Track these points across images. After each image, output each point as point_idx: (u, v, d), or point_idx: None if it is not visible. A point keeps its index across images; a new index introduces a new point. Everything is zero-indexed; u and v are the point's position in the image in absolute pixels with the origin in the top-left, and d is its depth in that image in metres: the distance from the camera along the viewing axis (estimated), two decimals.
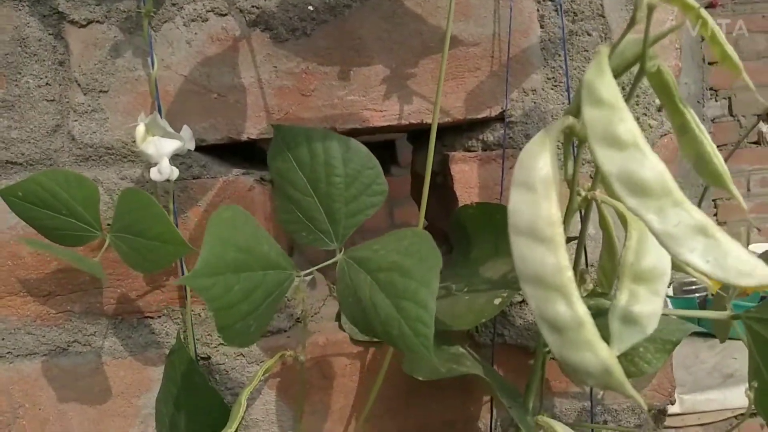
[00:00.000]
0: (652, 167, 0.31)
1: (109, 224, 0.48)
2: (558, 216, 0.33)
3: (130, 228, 0.44)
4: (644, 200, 0.31)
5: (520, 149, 0.54)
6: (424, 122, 0.53)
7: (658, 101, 0.55)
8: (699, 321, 0.69)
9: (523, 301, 0.55)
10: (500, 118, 0.53)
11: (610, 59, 0.38)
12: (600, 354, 0.32)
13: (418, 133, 0.62)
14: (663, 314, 0.48)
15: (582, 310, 0.32)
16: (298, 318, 0.57)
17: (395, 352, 0.51)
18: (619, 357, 0.48)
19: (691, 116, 0.39)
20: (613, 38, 0.53)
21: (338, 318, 0.57)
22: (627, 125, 0.31)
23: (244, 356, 0.55)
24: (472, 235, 0.53)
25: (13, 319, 0.53)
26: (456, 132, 0.56)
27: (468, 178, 0.54)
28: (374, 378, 0.54)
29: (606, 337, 0.38)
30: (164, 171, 0.42)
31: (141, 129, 0.42)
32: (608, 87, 0.32)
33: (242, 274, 0.36)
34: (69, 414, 0.54)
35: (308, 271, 0.42)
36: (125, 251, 0.45)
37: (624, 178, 0.31)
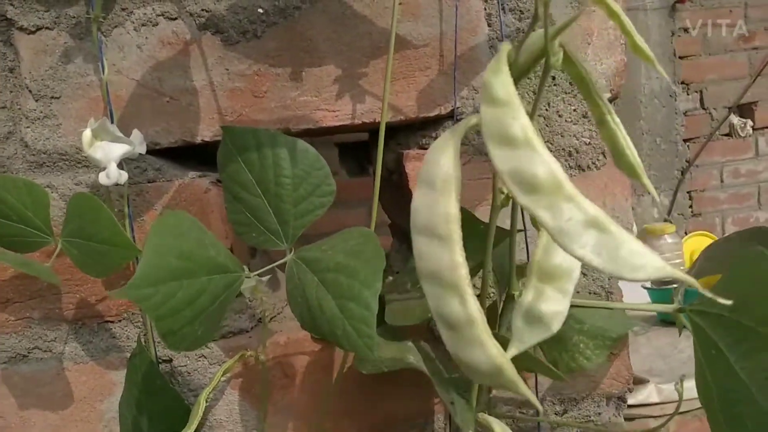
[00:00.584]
0: (543, 163, 0.31)
1: None
2: (455, 214, 0.33)
3: (80, 232, 0.44)
4: (536, 197, 0.31)
5: (472, 146, 0.55)
6: (377, 121, 0.53)
7: (605, 95, 0.56)
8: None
9: None
10: (451, 116, 0.54)
11: (518, 55, 0.38)
12: (489, 352, 0.32)
13: (375, 133, 0.62)
14: (609, 308, 0.49)
15: (474, 307, 0.32)
16: (260, 318, 0.58)
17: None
18: (559, 353, 0.49)
19: (608, 109, 0.39)
20: None
21: None
22: (520, 122, 0.31)
23: (206, 357, 0.55)
24: None
25: None
26: (410, 130, 0.57)
27: None
28: (335, 375, 0.55)
29: None
30: (112, 175, 0.43)
31: (87, 134, 0.42)
32: (504, 85, 0.32)
33: (185, 281, 0.36)
34: (32, 420, 0.54)
35: (257, 272, 0.43)
36: (77, 256, 0.45)
37: (516, 176, 0.31)
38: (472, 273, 0.43)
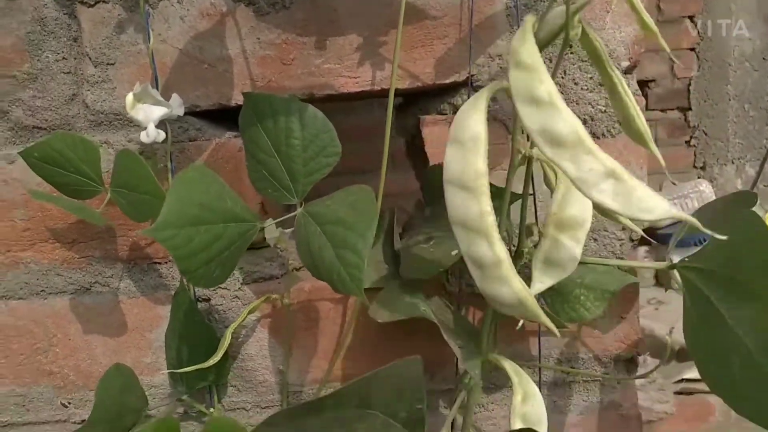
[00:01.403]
0: (566, 121, 0.34)
1: None
2: (484, 169, 0.38)
3: (125, 184, 0.51)
4: (560, 151, 0.34)
5: (489, 113, 0.57)
6: (396, 88, 0.57)
7: (623, 63, 0.56)
8: None
9: None
10: (467, 83, 0.57)
11: (537, 28, 0.41)
12: (514, 287, 0.37)
13: (404, 98, 0.66)
14: (608, 265, 0.52)
15: (501, 250, 0.37)
16: (295, 267, 0.63)
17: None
18: (561, 305, 0.52)
19: (619, 80, 0.41)
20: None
21: None
22: (545, 86, 0.35)
23: (239, 298, 0.62)
24: (440, 192, 0.57)
25: (45, 263, 0.62)
26: (430, 97, 0.60)
27: (438, 139, 0.58)
28: (356, 321, 0.60)
29: None
30: (151, 134, 0.49)
31: (130, 97, 0.48)
32: (530, 52, 0.36)
33: (202, 227, 0.42)
34: (94, 344, 0.63)
35: (269, 222, 0.48)
36: (123, 204, 0.52)
37: (543, 132, 0.35)
38: None
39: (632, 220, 0.45)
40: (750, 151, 2.12)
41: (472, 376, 0.47)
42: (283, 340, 0.62)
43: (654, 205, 0.34)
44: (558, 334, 0.40)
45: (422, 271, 0.54)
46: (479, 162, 0.39)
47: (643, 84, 2.38)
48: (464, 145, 0.39)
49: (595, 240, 0.59)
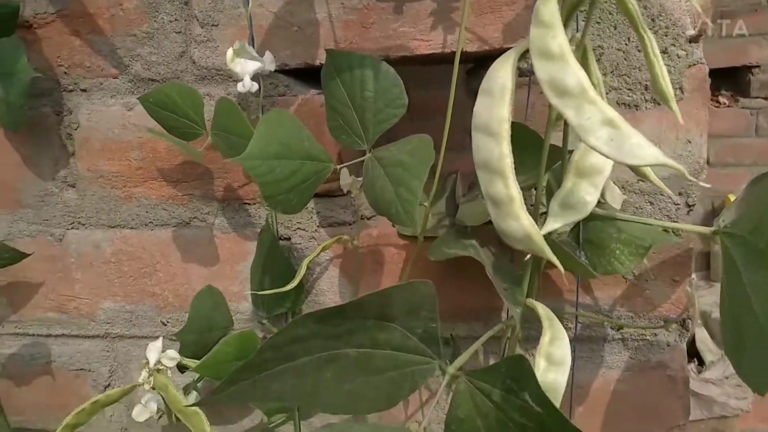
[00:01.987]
0: (574, 74, 0.38)
1: None
2: (508, 116, 0.42)
3: (224, 128, 0.59)
4: (565, 100, 0.38)
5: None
6: (465, 51, 0.61)
7: (688, 32, 0.58)
8: None
9: None
10: None
11: None
12: (523, 223, 0.41)
13: (477, 61, 0.70)
14: (647, 223, 0.55)
15: (515, 188, 0.41)
16: (362, 216, 0.70)
17: (425, 244, 0.62)
18: (597, 258, 0.55)
19: (649, 41, 0.44)
20: None
21: None
22: (558, 41, 0.39)
23: (315, 239, 0.69)
24: None
25: (153, 198, 0.72)
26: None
27: None
28: (415, 266, 0.66)
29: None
30: (246, 85, 0.57)
31: (230, 52, 0.56)
32: (550, 11, 0.40)
33: (283, 161, 0.49)
34: (190, 272, 0.73)
35: (343, 166, 0.54)
36: (221, 146, 0.60)
37: (551, 82, 0.39)
38: (527, 189, 0.51)
39: (627, 166, 0.47)
40: None
41: (513, 315, 0.52)
42: (351, 280, 0.69)
43: (645, 153, 0.36)
44: (562, 269, 0.43)
45: (474, 218, 0.59)
46: (504, 110, 0.42)
47: (747, 69, 2.26)
48: (493, 94, 0.43)
49: (651, 204, 0.62)
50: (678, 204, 0.61)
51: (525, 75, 0.62)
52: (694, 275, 0.65)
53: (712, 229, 0.50)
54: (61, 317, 0.77)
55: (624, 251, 0.53)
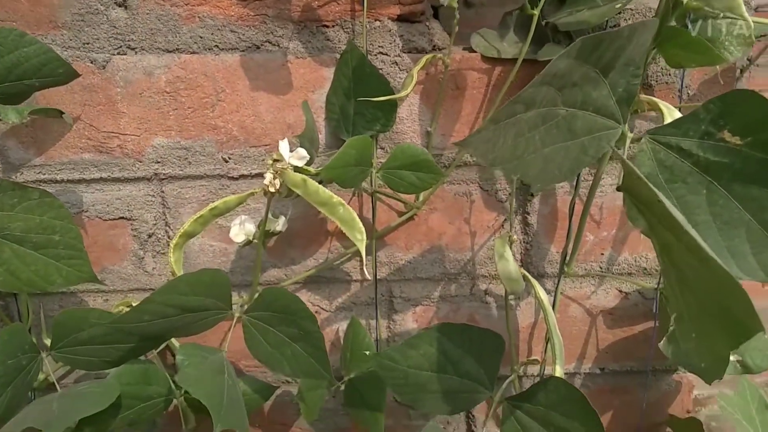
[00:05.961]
0: None
1: None
2: None
3: None
4: None
5: None
6: None
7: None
8: None
9: None
10: None
11: None
12: None
13: None
14: None
15: None
16: (435, 46, 0.71)
17: (519, 70, 0.65)
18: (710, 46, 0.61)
19: None
20: None
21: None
22: None
23: (397, 64, 0.69)
24: None
25: (221, 18, 0.67)
26: None
27: None
28: (498, 92, 0.68)
29: None
30: None
31: None
32: None
33: None
34: (259, 100, 0.69)
35: None
36: None
37: None
38: None
39: None
40: None
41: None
42: (431, 106, 0.70)
43: None
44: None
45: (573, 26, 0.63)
46: None
47: None
48: None
49: None
50: None
51: None
52: None
53: None
54: (99, 158, 0.70)
55: (732, 42, 0.59)
